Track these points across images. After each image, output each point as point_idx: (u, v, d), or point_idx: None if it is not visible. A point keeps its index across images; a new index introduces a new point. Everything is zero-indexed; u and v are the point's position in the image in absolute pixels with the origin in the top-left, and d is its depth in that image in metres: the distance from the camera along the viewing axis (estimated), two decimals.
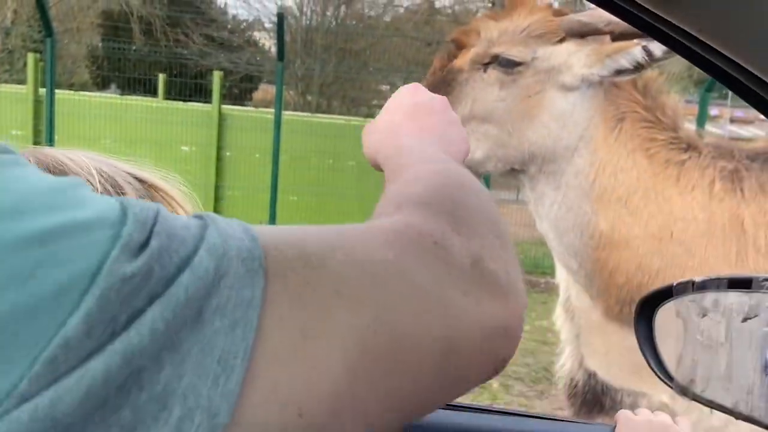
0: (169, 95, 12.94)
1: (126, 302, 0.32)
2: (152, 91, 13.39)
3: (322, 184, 11.71)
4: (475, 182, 0.56)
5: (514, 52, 2.10)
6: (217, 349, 0.33)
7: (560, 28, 2.10)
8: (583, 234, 2.07)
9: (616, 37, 2.09)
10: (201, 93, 12.56)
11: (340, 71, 14.03)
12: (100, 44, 14.19)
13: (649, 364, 0.91)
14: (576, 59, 2.07)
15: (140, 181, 0.69)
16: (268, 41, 16.62)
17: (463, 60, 2.18)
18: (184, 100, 12.27)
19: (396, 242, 0.43)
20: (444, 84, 2.16)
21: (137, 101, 11.63)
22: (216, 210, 12.19)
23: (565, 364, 2.28)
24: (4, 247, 0.31)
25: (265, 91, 17.50)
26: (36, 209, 0.32)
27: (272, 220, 10.47)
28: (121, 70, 12.45)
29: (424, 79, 2.25)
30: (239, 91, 15.57)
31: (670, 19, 0.53)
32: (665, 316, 0.93)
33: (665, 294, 0.92)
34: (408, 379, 0.41)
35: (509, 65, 2.10)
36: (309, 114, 13.23)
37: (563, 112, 2.10)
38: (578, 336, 2.23)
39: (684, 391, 0.62)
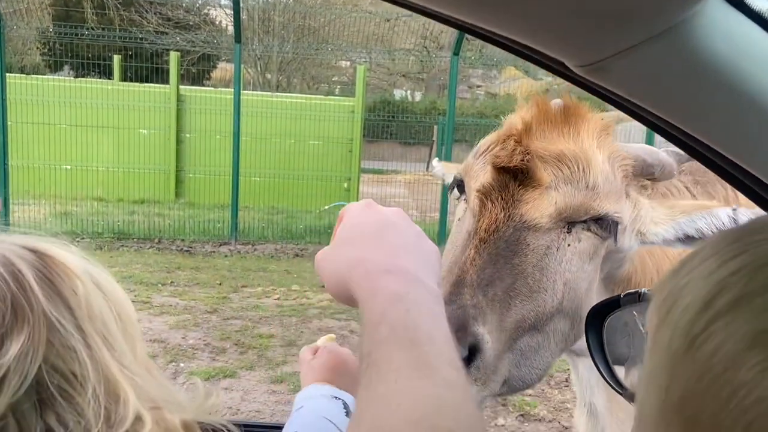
0: (126, 77, 12.69)
1: None
2: (108, 74, 13.10)
3: (285, 164, 11.66)
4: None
5: (621, 212, 1.39)
6: None
7: (632, 169, 1.47)
8: None
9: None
10: (158, 74, 12.33)
11: (299, 49, 13.91)
12: (50, 26, 13.80)
13: (600, 373, 0.97)
14: (646, 213, 1.46)
15: (33, 252, 0.74)
16: (224, 19, 16.31)
17: (539, 209, 1.33)
18: (141, 82, 12.06)
19: None
20: (509, 248, 1.31)
21: (93, 84, 11.38)
22: (178, 194, 12.04)
23: None
24: None
25: (224, 69, 17.23)
26: None
27: (234, 202, 10.41)
28: (74, 52, 12.17)
29: (475, 236, 1.33)
30: (197, 71, 15.34)
31: (604, 85, 0.59)
32: (614, 326, 0.99)
33: (613, 305, 0.99)
34: None
35: (609, 229, 1.37)
36: (269, 93, 13.10)
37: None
38: None
39: (633, 399, 0.69)
